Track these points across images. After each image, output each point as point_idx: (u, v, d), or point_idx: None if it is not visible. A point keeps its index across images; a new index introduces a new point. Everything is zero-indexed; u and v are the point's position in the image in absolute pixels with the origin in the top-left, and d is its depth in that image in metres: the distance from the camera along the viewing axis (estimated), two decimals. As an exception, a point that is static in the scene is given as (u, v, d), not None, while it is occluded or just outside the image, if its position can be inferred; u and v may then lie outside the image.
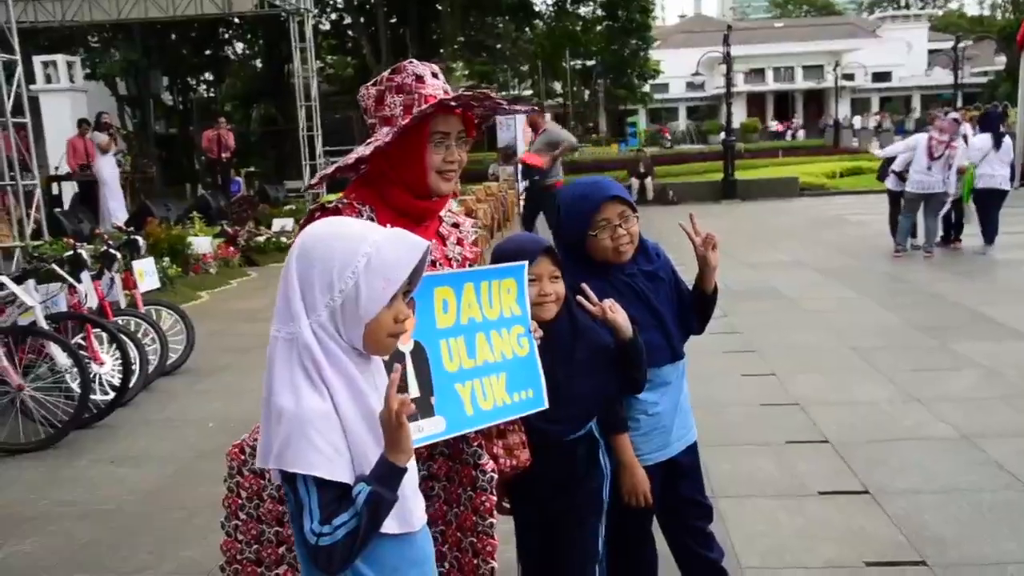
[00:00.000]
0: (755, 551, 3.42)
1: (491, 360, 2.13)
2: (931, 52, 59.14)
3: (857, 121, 47.80)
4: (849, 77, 55.25)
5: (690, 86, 56.50)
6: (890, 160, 11.32)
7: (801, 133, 47.07)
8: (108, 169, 15.17)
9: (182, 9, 17.47)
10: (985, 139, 10.65)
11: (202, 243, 11.54)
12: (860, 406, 5.17)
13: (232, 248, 12.31)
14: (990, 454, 4.30)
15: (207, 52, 32.53)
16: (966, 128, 11.28)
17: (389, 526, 1.60)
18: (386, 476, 1.54)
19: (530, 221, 11.63)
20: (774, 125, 51.92)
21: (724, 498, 3.85)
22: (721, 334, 6.80)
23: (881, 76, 60.21)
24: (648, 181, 20.14)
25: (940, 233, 10.97)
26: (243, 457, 2.22)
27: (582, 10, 33.45)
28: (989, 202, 10.59)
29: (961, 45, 35.61)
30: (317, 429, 1.53)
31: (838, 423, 4.85)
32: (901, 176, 10.70)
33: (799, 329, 7.25)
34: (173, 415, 5.70)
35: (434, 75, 2.13)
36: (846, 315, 7.69)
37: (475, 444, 2.17)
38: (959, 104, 28.69)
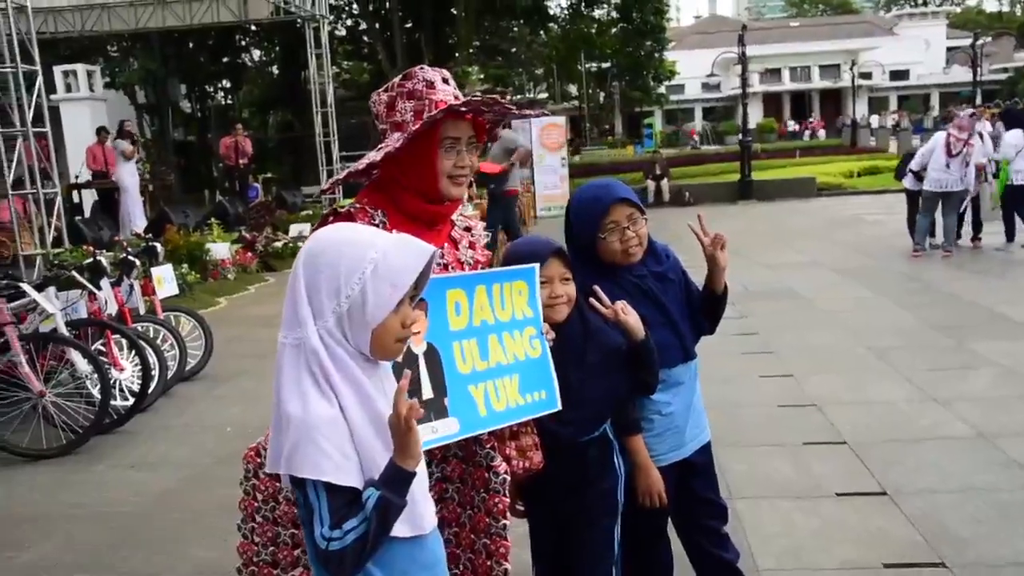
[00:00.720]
0: (771, 552, 3.41)
1: (504, 362, 2.14)
2: (949, 49, 58.69)
3: (875, 120, 47.39)
4: (866, 76, 54.82)
5: (706, 87, 56.31)
6: (907, 159, 11.19)
7: (822, 132, 46.79)
8: (129, 177, 15.29)
9: (199, 17, 17.60)
10: (1018, 135, 10.42)
11: (220, 249, 11.62)
12: (877, 406, 5.14)
13: (250, 254, 12.38)
14: (1008, 453, 4.27)
15: (224, 60, 32.76)
16: (983, 125, 11.14)
17: (399, 529, 1.60)
18: (395, 480, 1.54)
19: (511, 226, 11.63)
20: (791, 125, 51.62)
21: (740, 499, 3.85)
22: (738, 335, 6.79)
23: (899, 74, 59.73)
24: (664, 183, 20.05)
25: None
26: (259, 460, 2.25)
27: (596, 12, 33.39)
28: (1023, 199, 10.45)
29: (980, 42, 35.32)
30: (324, 434, 1.54)
31: (855, 423, 4.83)
32: (919, 175, 10.59)
33: (816, 329, 7.21)
34: (191, 420, 5.75)
35: (444, 81, 2.15)
36: (863, 315, 7.64)
37: (488, 446, 2.18)
38: (979, 101, 28.41)
